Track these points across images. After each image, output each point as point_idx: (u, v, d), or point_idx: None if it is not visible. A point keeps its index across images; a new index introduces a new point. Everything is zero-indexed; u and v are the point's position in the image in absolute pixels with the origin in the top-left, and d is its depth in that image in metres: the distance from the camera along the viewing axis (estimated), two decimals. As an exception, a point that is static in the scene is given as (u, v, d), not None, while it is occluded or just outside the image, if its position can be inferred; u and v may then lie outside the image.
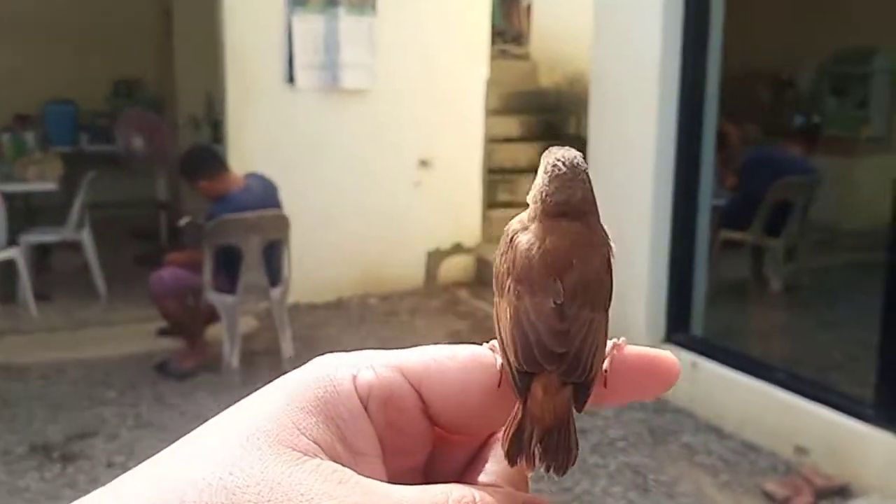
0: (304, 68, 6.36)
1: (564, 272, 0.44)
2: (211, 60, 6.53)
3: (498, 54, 8.85)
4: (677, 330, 4.79)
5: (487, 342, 0.45)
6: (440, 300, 6.77)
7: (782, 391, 4.17)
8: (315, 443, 0.38)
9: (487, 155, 7.31)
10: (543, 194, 0.45)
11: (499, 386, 0.42)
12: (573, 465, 0.41)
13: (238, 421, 0.38)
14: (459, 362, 0.42)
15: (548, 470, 0.41)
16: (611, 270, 0.45)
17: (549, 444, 0.41)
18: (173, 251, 5.51)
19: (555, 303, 0.43)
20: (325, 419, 0.39)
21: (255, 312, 5.76)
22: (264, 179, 5.13)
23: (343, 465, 0.37)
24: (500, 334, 0.44)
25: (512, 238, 0.46)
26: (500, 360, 0.43)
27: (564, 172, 0.45)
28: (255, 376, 5.08)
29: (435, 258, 7.08)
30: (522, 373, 0.42)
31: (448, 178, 7.00)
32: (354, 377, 0.40)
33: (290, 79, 6.37)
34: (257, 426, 0.38)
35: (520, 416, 0.41)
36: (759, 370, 4.36)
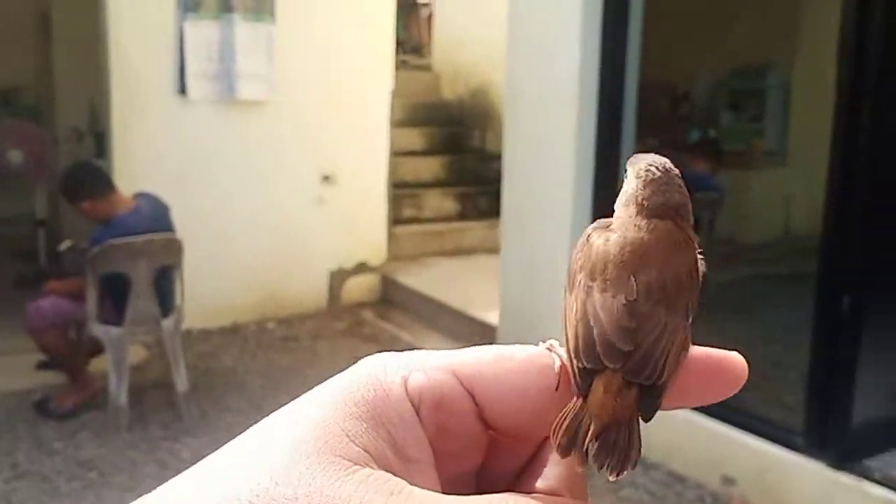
0: (196, 78, 5.96)
1: (641, 269, 0.42)
2: (94, 68, 6.06)
3: (399, 65, 8.62)
4: (596, 355, 4.61)
5: (544, 342, 0.43)
6: (344, 323, 6.45)
7: (707, 419, 4.04)
8: (365, 450, 0.36)
9: (391, 169, 7.05)
10: (640, 198, 0.44)
11: (556, 389, 0.41)
12: (632, 468, 0.39)
13: (285, 427, 0.36)
14: (516, 364, 0.41)
15: (601, 468, 0.39)
16: (697, 279, 0.43)
17: (605, 441, 0.39)
18: (53, 278, 5.02)
19: (627, 299, 0.41)
20: (375, 425, 0.37)
21: (144, 341, 5.33)
22: (155, 200, 4.72)
23: (394, 472, 0.36)
24: (564, 330, 0.43)
25: (588, 236, 0.45)
26: (558, 362, 0.41)
27: (660, 176, 0.45)
28: (145, 414, 4.66)
29: (338, 278, 6.77)
30: (583, 370, 0.40)
31: (351, 194, 6.70)
32: (405, 380, 0.39)
33: (182, 89, 5.96)
34: (305, 434, 0.36)
35: (577, 408, 0.39)
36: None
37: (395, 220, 7.26)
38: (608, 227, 0.45)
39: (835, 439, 3.56)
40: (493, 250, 7.00)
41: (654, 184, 0.44)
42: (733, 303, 6.79)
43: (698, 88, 9.05)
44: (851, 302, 3.41)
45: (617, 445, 0.39)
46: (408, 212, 7.63)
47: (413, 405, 0.38)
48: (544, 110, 4.66)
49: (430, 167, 8.24)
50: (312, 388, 0.39)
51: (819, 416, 3.60)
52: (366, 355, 0.41)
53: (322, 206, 6.58)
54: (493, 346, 0.41)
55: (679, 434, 4.14)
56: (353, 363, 0.39)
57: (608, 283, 0.42)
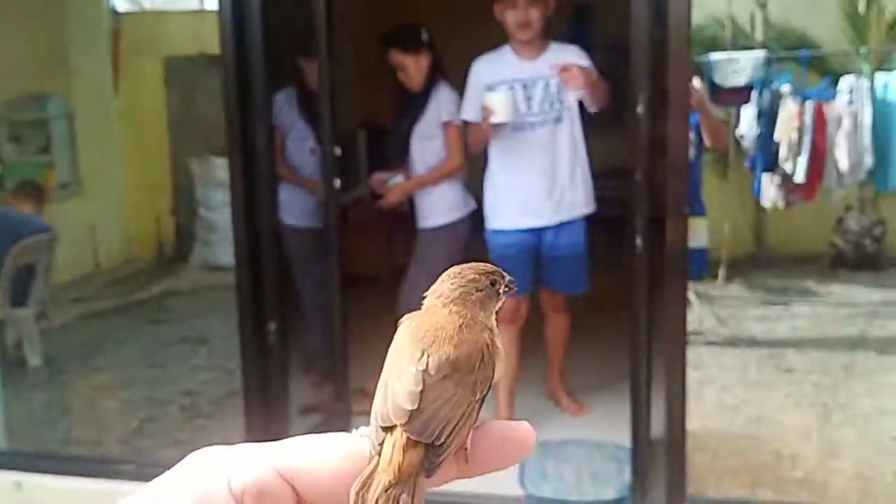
0: None
1: (434, 346, 0.49)
2: None
3: None
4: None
5: (357, 429, 0.48)
6: None
7: (129, 482, 3.68)
8: None
9: None
10: (439, 291, 0.53)
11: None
12: None
13: None
14: (330, 452, 0.45)
15: None
16: (491, 360, 0.50)
17: (390, 497, 0.44)
18: None
19: (417, 369, 0.48)
20: None
21: None
22: None
23: None
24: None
25: (400, 322, 0.53)
26: (369, 446, 0.46)
27: (458, 274, 0.54)
28: None
29: None
30: (379, 429, 0.47)
31: None
32: (229, 479, 0.42)
33: None
34: None
35: (371, 468, 0.45)
36: (95, 468, 3.78)
37: None
38: (414, 315, 0.53)
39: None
40: None
41: (452, 279, 0.53)
42: (85, 347, 6.30)
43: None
44: (276, 328, 3.45)
45: (401, 499, 0.44)
46: None
47: (236, 500, 0.42)
48: None
49: None
50: None
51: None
52: None
53: None
54: (312, 436, 0.45)
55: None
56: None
57: (405, 358, 0.49)
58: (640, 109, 2.99)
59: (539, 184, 4.06)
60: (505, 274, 0.55)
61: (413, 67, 4.28)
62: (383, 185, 4.47)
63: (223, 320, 6.93)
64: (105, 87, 8.62)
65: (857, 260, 7.62)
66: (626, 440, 3.56)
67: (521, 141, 4.02)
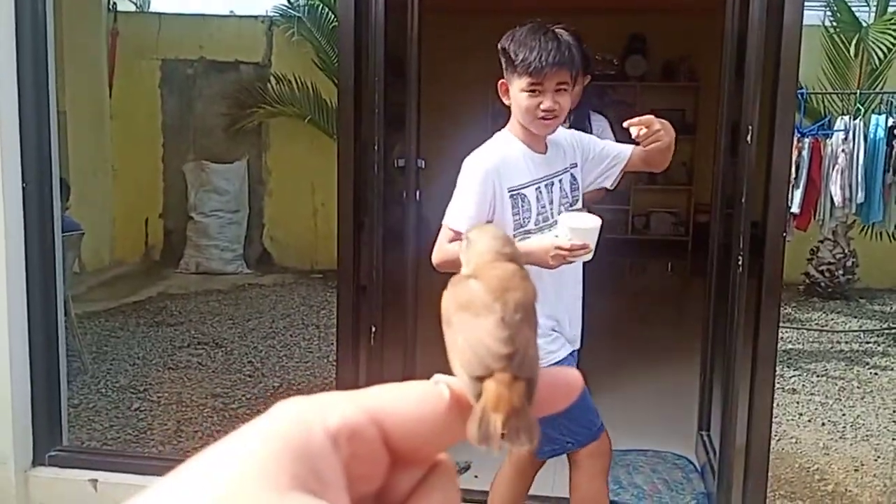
0: None
1: (506, 294, 0.52)
2: None
3: None
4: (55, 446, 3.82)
5: (432, 378, 0.49)
6: None
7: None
8: (294, 477, 0.40)
9: None
10: (498, 250, 0.56)
11: (447, 411, 0.47)
12: (535, 443, 0.47)
13: (217, 464, 0.39)
14: (413, 395, 0.47)
15: (517, 446, 0.47)
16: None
17: (513, 427, 0.47)
18: None
19: (498, 316, 0.50)
20: (299, 456, 0.41)
21: None
22: None
23: (315, 495, 0.41)
24: (452, 359, 0.50)
25: (452, 286, 0.54)
26: (446, 389, 0.47)
27: (504, 237, 0.58)
28: None
29: None
30: (475, 379, 0.48)
31: None
32: (324, 419, 0.44)
33: None
34: (240, 467, 0.39)
35: (479, 411, 0.47)
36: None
37: None
38: (465, 277, 0.55)
39: None
40: None
41: (495, 240, 0.57)
42: None
43: None
44: None
45: (521, 428, 0.47)
46: None
47: (330, 438, 0.43)
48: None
49: None
50: None
51: None
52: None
53: None
54: (393, 384, 0.48)
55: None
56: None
57: (480, 310, 0.51)
58: (749, 139, 3.20)
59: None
60: None
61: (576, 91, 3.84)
62: None
63: (229, 324, 6.94)
64: (99, 85, 8.46)
65: (829, 289, 8.01)
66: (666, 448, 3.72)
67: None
